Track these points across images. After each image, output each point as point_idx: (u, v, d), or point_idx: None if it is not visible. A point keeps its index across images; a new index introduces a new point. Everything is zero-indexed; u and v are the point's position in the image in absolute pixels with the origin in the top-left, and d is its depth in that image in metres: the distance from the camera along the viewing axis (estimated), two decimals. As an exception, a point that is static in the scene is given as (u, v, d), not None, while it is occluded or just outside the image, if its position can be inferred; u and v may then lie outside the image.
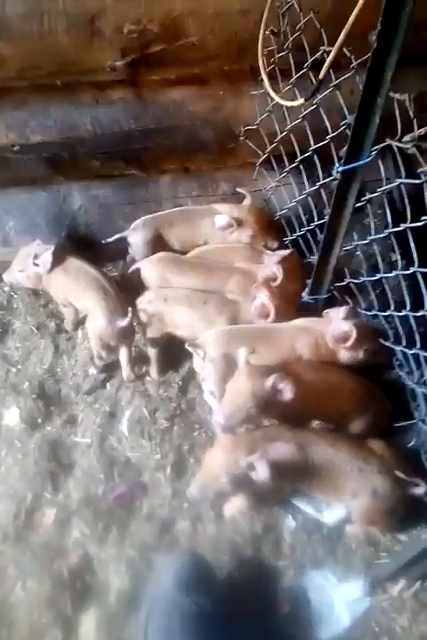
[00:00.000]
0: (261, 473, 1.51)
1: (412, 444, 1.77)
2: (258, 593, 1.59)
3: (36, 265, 2.22)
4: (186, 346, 1.90)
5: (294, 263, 2.12)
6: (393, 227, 1.58)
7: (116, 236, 2.33)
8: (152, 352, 2.14)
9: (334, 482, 1.60)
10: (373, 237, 1.69)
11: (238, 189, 2.40)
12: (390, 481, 1.57)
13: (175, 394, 2.09)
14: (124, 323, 2.03)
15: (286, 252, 2.13)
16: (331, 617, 1.55)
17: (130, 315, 2.01)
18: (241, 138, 2.32)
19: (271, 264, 2.03)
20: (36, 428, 2.02)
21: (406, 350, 1.67)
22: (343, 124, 1.57)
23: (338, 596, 1.58)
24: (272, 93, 1.80)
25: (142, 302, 2.10)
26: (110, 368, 2.20)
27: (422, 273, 1.42)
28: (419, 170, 1.29)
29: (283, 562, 1.66)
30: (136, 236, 2.34)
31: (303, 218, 2.17)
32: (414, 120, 1.28)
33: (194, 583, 1.41)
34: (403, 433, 1.84)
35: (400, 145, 1.30)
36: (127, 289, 2.28)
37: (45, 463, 1.89)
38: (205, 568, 1.52)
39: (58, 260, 2.22)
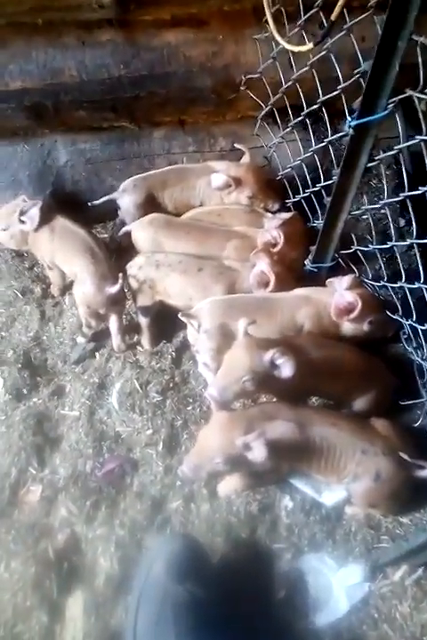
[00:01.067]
0: (258, 453, 1.42)
1: (418, 423, 1.68)
2: (253, 577, 1.52)
3: (22, 222, 2.07)
4: (179, 316, 1.78)
5: (297, 227, 1.99)
6: (403, 190, 1.43)
7: (105, 199, 2.18)
8: (144, 321, 2.02)
9: (335, 463, 1.51)
10: (386, 201, 1.53)
11: (237, 145, 2.23)
12: (394, 463, 1.48)
13: (168, 365, 1.98)
14: (114, 289, 1.89)
15: (288, 214, 1.99)
16: (329, 602, 1.49)
17: (120, 281, 1.88)
18: (242, 88, 2.15)
19: (271, 228, 1.90)
20: (22, 399, 1.91)
21: (418, 326, 1.55)
22: (357, 73, 1.40)
23: (336, 581, 1.51)
24: (278, 37, 1.62)
25: (132, 268, 1.96)
26: (100, 337, 2.08)
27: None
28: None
29: (279, 544, 1.58)
30: (126, 198, 2.19)
31: (308, 178, 2.01)
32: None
33: (187, 570, 1.34)
34: (408, 411, 1.75)
35: (424, 96, 1.14)
36: (117, 253, 2.14)
37: (31, 437, 1.79)
38: (199, 553, 1.44)
39: (45, 217, 2.07)
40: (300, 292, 1.81)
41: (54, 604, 1.48)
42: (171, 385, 1.92)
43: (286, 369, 1.49)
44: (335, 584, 1.51)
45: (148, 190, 2.18)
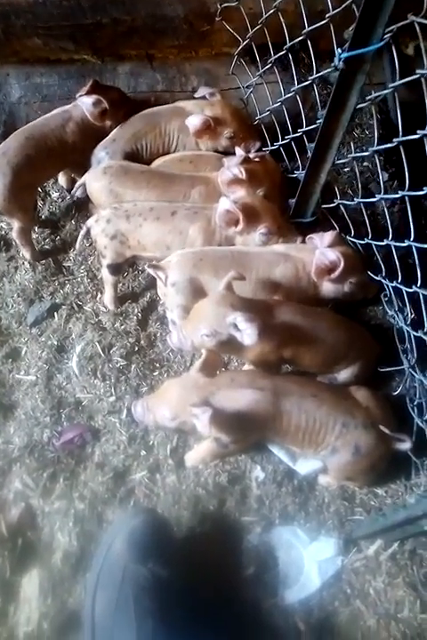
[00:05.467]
0: (248, 338, 1.37)
1: (397, 392, 1.59)
2: (221, 553, 1.44)
3: None
4: (146, 267, 1.64)
5: (262, 163, 1.84)
6: (384, 141, 1.30)
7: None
8: (110, 279, 1.84)
9: (314, 436, 1.42)
10: (375, 148, 1.38)
11: (203, 89, 2.00)
12: (373, 437, 1.40)
13: (133, 327, 1.83)
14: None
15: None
16: (300, 578, 1.43)
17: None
18: (217, 19, 1.93)
19: (232, 165, 1.74)
20: (-28, 362, 1.76)
21: (403, 288, 1.44)
22: (348, -3, 1.23)
23: (308, 555, 1.45)
24: None
25: (100, 223, 1.76)
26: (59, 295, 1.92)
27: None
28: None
29: (249, 517, 1.51)
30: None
31: (289, 123, 1.84)
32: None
33: (149, 548, 1.25)
34: (386, 378, 1.67)
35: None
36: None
37: (-18, 403, 1.66)
38: (162, 529, 1.35)
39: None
40: (278, 248, 1.68)
41: (8, 583, 1.40)
42: (136, 348, 1.78)
43: (248, 337, 1.37)
44: (307, 558, 1.45)
45: (122, 152, 1.97)
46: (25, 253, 1.97)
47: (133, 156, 1.99)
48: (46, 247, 2.06)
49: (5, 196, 1.81)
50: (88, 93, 1.90)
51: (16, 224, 1.90)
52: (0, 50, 1.98)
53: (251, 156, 1.82)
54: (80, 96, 1.92)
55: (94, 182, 1.88)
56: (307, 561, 1.44)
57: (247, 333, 1.37)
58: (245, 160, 1.76)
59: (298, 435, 1.41)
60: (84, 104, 1.91)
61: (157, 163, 1.99)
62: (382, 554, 1.44)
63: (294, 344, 1.50)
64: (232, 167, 1.72)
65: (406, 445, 1.41)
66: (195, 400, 1.36)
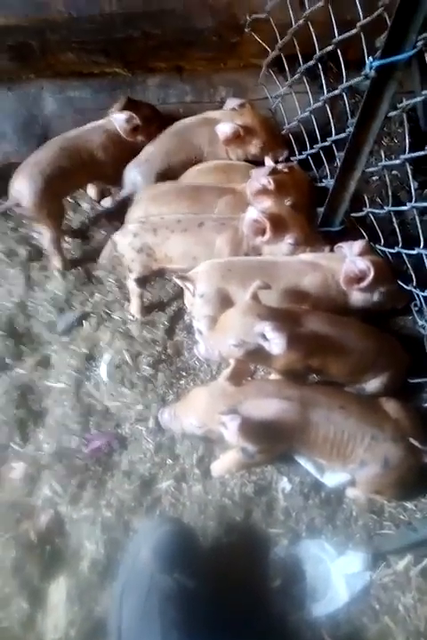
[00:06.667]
0: (276, 347, 1.34)
1: (427, 404, 1.56)
2: (247, 564, 1.43)
3: None
4: (174, 278, 1.65)
5: (291, 174, 1.84)
6: (413, 149, 1.29)
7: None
8: (137, 291, 1.86)
9: (342, 449, 1.40)
10: (407, 156, 1.36)
11: (231, 101, 2.01)
12: (403, 449, 1.37)
13: (161, 336, 1.85)
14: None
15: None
16: (327, 592, 1.40)
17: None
18: (246, 30, 1.94)
19: (260, 175, 1.74)
20: (4, 369, 1.79)
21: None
22: (382, 4, 1.21)
23: (336, 569, 1.42)
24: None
25: (127, 236, 1.78)
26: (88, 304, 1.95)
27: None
28: None
29: (276, 529, 1.49)
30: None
31: (317, 132, 1.83)
32: None
33: (175, 557, 1.25)
34: (416, 390, 1.64)
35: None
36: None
37: (14, 410, 1.68)
38: (189, 539, 1.35)
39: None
40: (306, 257, 1.67)
41: (36, 589, 1.39)
42: (163, 357, 1.80)
43: (276, 346, 1.36)
44: (335, 572, 1.42)
45: (155, 173, 2.01)
46: (55, 262, 2.01)
47: (166, 172, 2.02)
48: (76, 257, 2.10)
49: (35, 202, 1.86)
50: (121, 110, 1.94)
51: (46, 233, 1.95)
52: (35, 64, 2.04)
53: (279, 166, 1.82)
54: (113, 112, 1.97)
55: (136, 212, 1.92)
56: (334, 575, 1.42)
57: (275, 343, 1.36)
58: (274, 171, 1.76)
59: (326, 446, 1.39)
60: (117, 120, 1.95)
61: (191, 172, 2.01)
62: (411, 569, 1.40)
63: (322, 353, 1.48)
64: (260, 177, 1.72)
65: (436, 459, 1.38)
66: (223, 408, 1.36)
